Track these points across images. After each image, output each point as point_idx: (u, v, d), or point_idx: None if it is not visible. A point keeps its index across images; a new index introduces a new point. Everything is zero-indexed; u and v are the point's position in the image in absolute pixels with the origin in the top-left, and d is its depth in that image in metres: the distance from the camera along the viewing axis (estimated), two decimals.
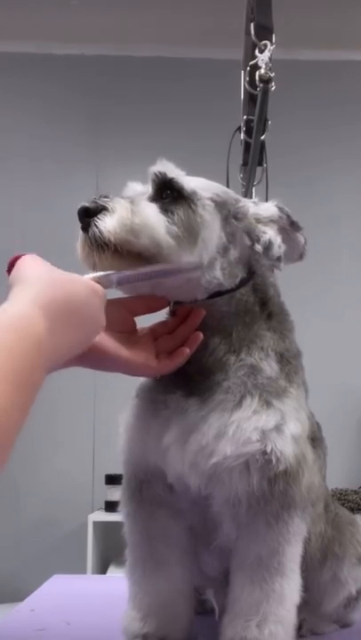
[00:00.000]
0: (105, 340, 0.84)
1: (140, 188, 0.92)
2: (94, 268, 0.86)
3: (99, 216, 0.85)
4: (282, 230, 0.93)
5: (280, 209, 0.94)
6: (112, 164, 3.55)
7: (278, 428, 0.88)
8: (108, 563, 3.18)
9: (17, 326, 0.64)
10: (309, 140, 3.57)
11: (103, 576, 2.74)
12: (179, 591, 0.96)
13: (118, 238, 0.85)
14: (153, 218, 0.87)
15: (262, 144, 1.31)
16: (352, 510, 2.04)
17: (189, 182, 0.91)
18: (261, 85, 1.25)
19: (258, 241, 0.92)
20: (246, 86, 1.33)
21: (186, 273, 0.88)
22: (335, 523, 1.04)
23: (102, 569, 3.17)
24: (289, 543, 0.90)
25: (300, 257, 0.95)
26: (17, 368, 0.61)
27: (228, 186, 1.14)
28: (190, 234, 0.88)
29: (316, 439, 0.98)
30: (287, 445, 0.88)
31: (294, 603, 0.91)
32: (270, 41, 1.29)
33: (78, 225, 0.87)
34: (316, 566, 1.01)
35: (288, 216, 0.93)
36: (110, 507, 3.07)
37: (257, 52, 1.29)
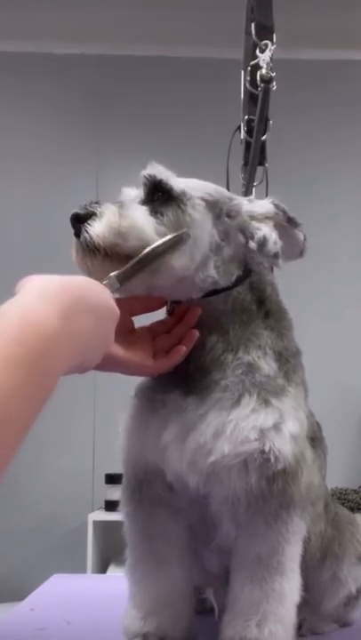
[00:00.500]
0: None
1: (135, 193, 0.93)
2: (89, 273, 0.87)
3: (89, 221, 0.87)
4: (279, 227, 0.93)
5: (276, 205, 0.94)
6: (112, 164, 3.54)
7: (277, 427, 0.88)
8: (108, 562, 3.18)
9: (19, 314, 0.64)
10: (309, 139, 3.57)
11: (103, 575, 2.74)
12: (179, 590, 0.96)
13: (107, 242, 0.86)
14: (140, 220, 0.88)
15: (263, 144, 1.31)
16: (352, 510, 2.04)
17: (179, 183, 0.91)
18: (262, 85, 1.25)
19: (252, 238, 0.92)
20: (247, 86, 1.33)
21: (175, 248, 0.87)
22: (335, 522, 1.04)
23: (102, 568, 3.17)
24: (288, 542, 0.90)
25: (301, 254, 0.95)
26: (16, 353, 0.60)
27: (228, 185, 1.14)
28: None
29: (315, 438, 0.98)
30: (286, 444, 0.88)
31: (294, 602, 0.91)
32: (271, 40, 1.29)
33: (72, 231, 0.89)
34: (316, 565, 1.01)
35: (284, 212, 0.93)
36: (110, 506, 3.07)
37: (258, 51, 1.29)
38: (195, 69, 3.59)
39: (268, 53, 1.27)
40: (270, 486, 0.88)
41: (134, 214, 0.88)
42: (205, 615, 1.06)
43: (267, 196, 1.04)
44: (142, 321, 0.94)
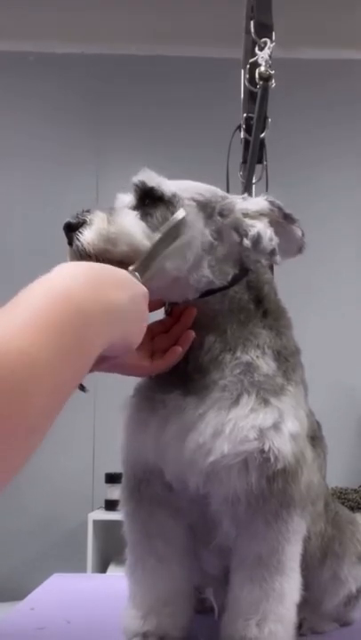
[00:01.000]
0: None
1: (128, 199, 0.93)
2: None
3: (80, 229, 0.87)
4: (275, 224, 0.92)
5: (271, 202, 0.93)
6: (112, 164, 3.54)
7: (276, 427, 0.88)
8: (108, 561, 3.18)
9: (45, 285, 0.65)
10: (309, 139, 3.57)
11: (103, 575, 2.74)
12: (179, 590, 0.96)
13: (97, 249, 0.86)
14: (129, 225, 0.88)
15: (262, 142, 1.31)
16: (352, 509, 2.04)
17: (170, 187, 0.91)
18: (261, 83, 1.25)
19: (246, 235, 0.91)
20: (246, 84, 1.33)
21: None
22: (335, 521, 1.04)
23: (102, 567, 3.17)
24: (289, 542, 0.90)
25: (300, 250, 0.94)
26: (50, 319, 0.60)
27: (228, 185, 1.14)
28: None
29: (315, 438, 0.98)
30: (285, 444, 0.87)
31: (294, 601, 0.91)
32: (270, 38, 1.29)
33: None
34: (317, 565, 1.01)
35: (280, 208, 0.93)
36: (110, 505, 3.07)
37: (257, 49, 1.29)
38: (195, 69, 3.59)
39: (267, 51, 1.27)
40: (270, 486, 0.88)
41: (123, 220, 0.88)
42: (205, 615, 1.06)
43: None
44: None
